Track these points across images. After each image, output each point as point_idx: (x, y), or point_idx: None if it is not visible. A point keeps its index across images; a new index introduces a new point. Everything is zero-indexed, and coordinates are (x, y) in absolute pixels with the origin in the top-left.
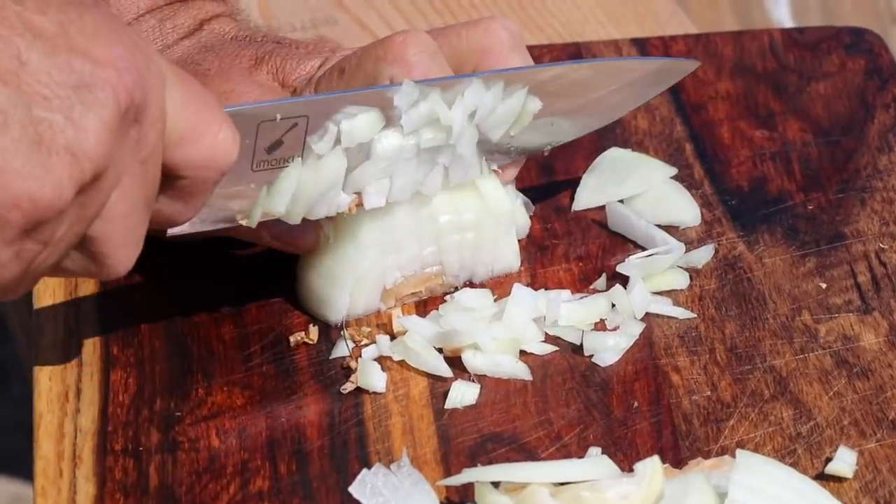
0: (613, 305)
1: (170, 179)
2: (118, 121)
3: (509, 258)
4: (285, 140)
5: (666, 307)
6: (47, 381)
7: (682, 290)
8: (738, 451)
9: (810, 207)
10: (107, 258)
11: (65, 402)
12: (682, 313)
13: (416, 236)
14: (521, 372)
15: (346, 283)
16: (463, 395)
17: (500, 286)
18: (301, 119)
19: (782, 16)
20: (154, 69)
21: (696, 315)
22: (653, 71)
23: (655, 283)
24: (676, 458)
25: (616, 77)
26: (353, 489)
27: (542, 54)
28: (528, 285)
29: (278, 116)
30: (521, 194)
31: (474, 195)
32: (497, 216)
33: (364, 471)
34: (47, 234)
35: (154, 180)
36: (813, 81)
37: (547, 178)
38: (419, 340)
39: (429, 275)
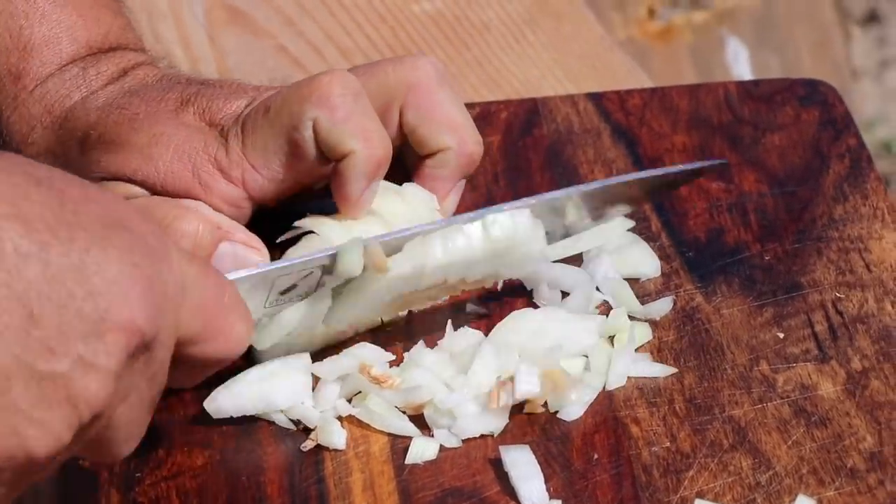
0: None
1: (180, 363)
2: (125, 363)
3: (526, 270)
4: (299, 284)
5: (647, 366)
6: None
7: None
8: (698, 502)
9: (767, 258)
10: (107, 454)
11: None
12: (662, 370)
13: (447, 263)
14: (483, 428)
15: (359, 306)
16: (423, 450)
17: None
18: (317, 269)
19: (743, 71)
20: (171, 289)
21: (676, 370)
22: (684, 172)
23: (620, 340)
24: None
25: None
26: None
27: (498, 110)
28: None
29: (295, 270)
30: None
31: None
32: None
33: None
34: (39, 471)
35: (160, 386)
36: (768, 133)
37: None
38: (381, 402)
39: (447, 286)
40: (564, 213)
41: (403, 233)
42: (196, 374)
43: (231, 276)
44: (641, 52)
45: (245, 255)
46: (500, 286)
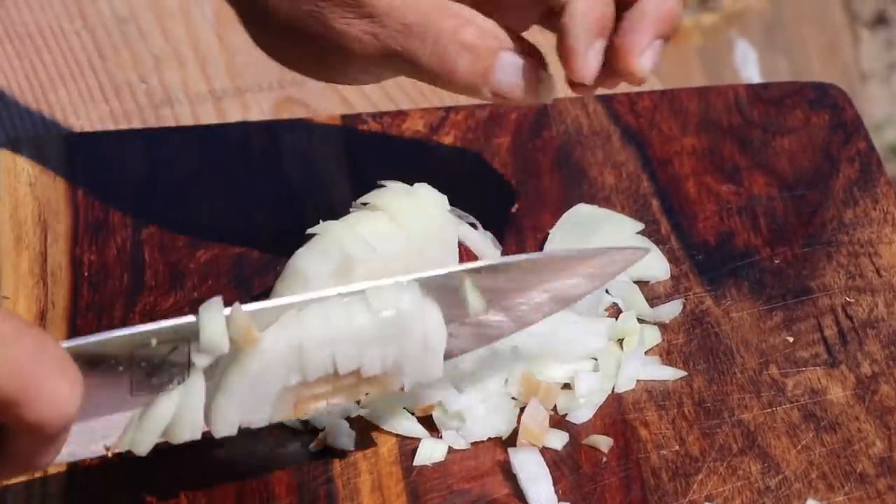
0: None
1: (10, 434)
2: None
3: (434, 367)
4: (165, 365)
5: (657, 370)
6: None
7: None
8: None
9: (777, 262)
10: None
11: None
12: (672, 374)
13: (328, 340)
14: (491, 430)
15: (240, 394)
16: (432, 451)
17: None
18: (182, 343)
19: (751, 74)
20: None
21: (686, 373)
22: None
23: (630, 343)
24: None
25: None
26: None
27: (508, 111)
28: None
29: (154, 342)
30: (489, 233)
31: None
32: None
33: None
34: None
35: None
36: (778, 136)
37: (514, 234)
38: (390, 403)
39: (343, 383)
40: (463, 297)
41: (276, 302)
42: (34, 448)
43: (65, 345)
44: None
45: (527, 64)
46: (406, 387)
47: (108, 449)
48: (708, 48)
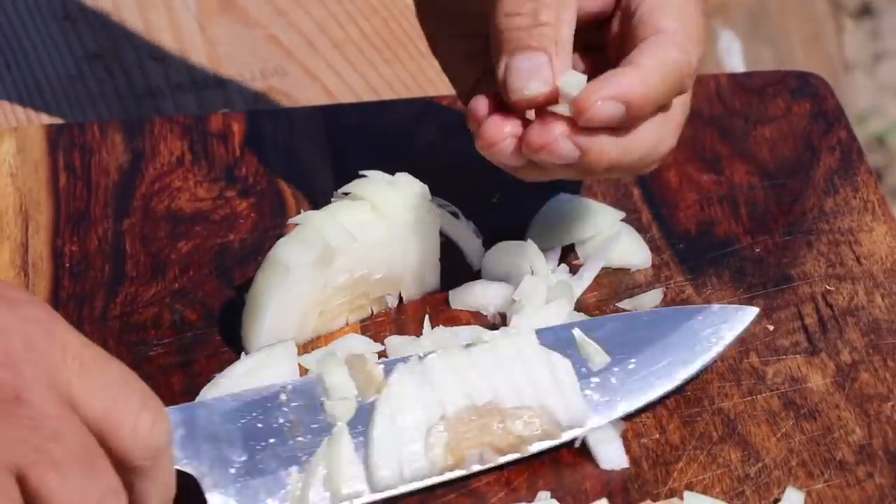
0: None
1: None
2: None
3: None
4: (304, 426)
5: None
6: None
7: None
8: (687, 494)
9: (757, 250)
10: None
11: None
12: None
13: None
14: None
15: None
16: None
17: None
18: (310, 400)
19: (735, 63)
20: (37, 343)
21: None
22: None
23: None
24: (626, 501)
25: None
26: None
27: None
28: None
29: (283, 396)
30: (470, 223)
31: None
32: None
33: None
34: None
35: (79, 455)
36: (759, 125)
37: (497, 222)
38: None
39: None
40: (582, 351)
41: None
42: (145, 478)
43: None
44: None
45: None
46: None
47: None
48: None
